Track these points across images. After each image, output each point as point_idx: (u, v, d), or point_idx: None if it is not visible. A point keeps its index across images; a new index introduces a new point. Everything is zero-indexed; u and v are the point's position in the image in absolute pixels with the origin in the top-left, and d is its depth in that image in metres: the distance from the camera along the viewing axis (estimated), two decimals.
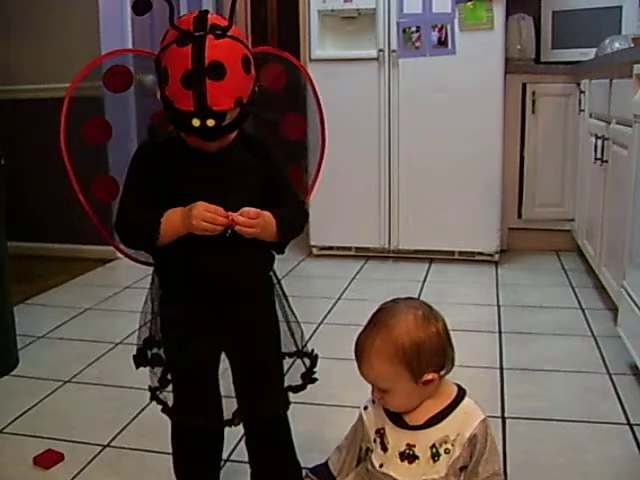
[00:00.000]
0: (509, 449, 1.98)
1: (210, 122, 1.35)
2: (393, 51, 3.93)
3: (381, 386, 1.27)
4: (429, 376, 1.26)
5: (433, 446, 1.27)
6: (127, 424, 2.18)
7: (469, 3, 3.79)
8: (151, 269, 1.61)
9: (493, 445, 1.30)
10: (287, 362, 1.65)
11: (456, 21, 3.83)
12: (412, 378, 1.25)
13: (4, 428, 2.17)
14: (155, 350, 1.62)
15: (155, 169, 1.47)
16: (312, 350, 1.69)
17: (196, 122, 1.35)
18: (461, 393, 1.33)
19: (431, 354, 1.25)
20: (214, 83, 1.33)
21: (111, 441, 2.08)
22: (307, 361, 1.68)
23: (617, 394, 2.33)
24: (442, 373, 1.29)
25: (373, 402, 1.36)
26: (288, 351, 1.64)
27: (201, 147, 1.45)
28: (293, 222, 1.55)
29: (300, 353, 1.67)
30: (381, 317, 1.29)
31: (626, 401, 2.27)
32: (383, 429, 1.32)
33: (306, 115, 1.88)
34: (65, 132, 1.61)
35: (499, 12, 3.81)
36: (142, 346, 1.63)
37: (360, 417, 1.38)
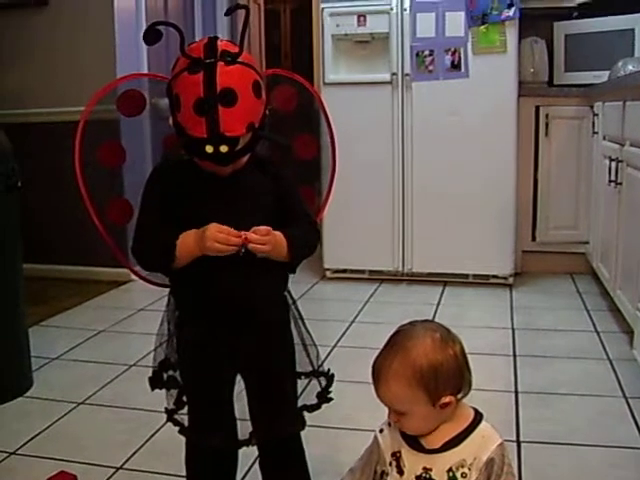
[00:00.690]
0: (524, 473, 1.96)
1: (223, 148, 1.37)
2: (406, 75, 3.95)
3: (398, 409, 1.26)
4: (446, 399, 1.24)
5: (450, 470, 1.26)
6: (140, 446, 2.18)
7: (482, 27, 3.81)
8: (165, 291, 1.62)
9: (510, 470, 1.28)
10: (302, 382, 1.65)
11: (469, 45, 3.85)
12: (429, 401, 1.23)
13: (17, 449, 2.17)
14: (170, 372, 1.63)
15: (169, 192, 1.49)
16: (328, 369, 1.69)
17: (209, 149, 1.37)
18: (478, 417, 1.31)
19: (448, 377, 1.24)
20: (226, 110, 1.34)
21: (124, 463, 2.08)
22: (322, 381, 1.67)
23: (634, 418, 2.30)
24: (459, 396, 1.27)
25: (389, 425, 1.35)
26: (304, 371, 1.64)
27: (214, 170, 1.46)
28: (304, 241, 1.56)
29: (316, 373, 1.66)
30: (398, 339, 1.29)
31: None
32: (399, 452, 1.31)
33: (319, 136, 1.89)
34: (80, 155, 1.62)
35: (512, 35, 3.82)
36: (158, 368, 1.64)
37: (376, 440, 1.36)
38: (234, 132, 1.36)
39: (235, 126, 1.36)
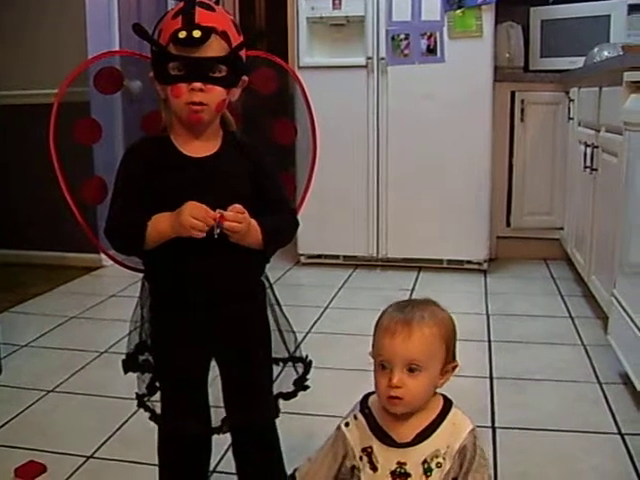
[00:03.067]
0: (500, 459, 1.96)
1: (196, 33, 1.36)
2: (382, 59, 3.92)
3: (418, 360, 1.22)
4: (454, 363, 1.28)
5: (425, 462, 1.24)
6: (111, 434, 2.15)
7: (458, 11, 3.79)
8: (137, 277, 1.58)
9: (482, 455, 1.27)
10: (277, 368, 1.63)
11: (445, 29, 3.82)
12: (444, 360, 1.26)
13: None
14: (145, 355, 1.59)
15: (144, 174, 1.45)
16: (306, 356, 1.67)
17: (182, 34, 1.37)
18: (448, 404, 1.30)
19: (454, 344, 1.29)
20: (203, 11, 1.38)
21: (95, 452, 2.05)
22: (299, 368, 1.65)
23: (608, 403, 2.31)
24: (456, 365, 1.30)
25: (355, 418, 1.32)
26: (281, 357, 1.62)
27: (191, 152, 1.44)
28: (279, 230, 1.53)
29: (293, 359, 1.64)
30: (415, 302, 1.29)
31: (617, 410, 2.25)
32: (370, 448, 1.28)
33: (295, 120, 1.86)
34: (54, 133, 1.59)
35: (488, 20, 3.80)
36: (133, 351, 1.60)
37: (341, 433, 1.32)
38: (209, 23, 1.38)
39: (211, 21, 1.38)
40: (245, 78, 1.48)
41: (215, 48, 1.39)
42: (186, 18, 1.37)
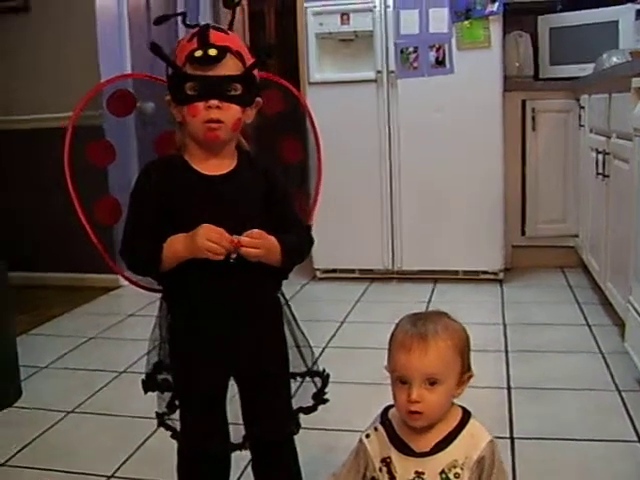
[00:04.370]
0: (519, 470, 1.95)
1: (212, 51, 1.40)
2: (391, 72, 3.94)
3: (435, 374, 1.23)
4: (470, 373, 1.29)
5: (442, 472, 1.25)
6: (132, 454, 2.16)
7: (466, 22, 3.80)
8: (155, 296, 1.60)
9: (501, 466, 1.28)
10: (296, 383, 1.63)
11: (453, 40, 3.84)
12: (460, 371, 1.27)
13: (7, 460, 2.14)
14: (164, 375, 1.61)
15: (159, 193, 1.47)
16: (323, 370, 1.67)
17: (198, 53, 1.40)
18: (466, 415, 1.31)
19: (469, 355, 1.31)
20: (217, 33, 1.42)
21: (116, 471, 2.06)
22: (317, 382, 1.66)
23: (627, 411, 2.30)
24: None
25: (375, 430, 1.33)
26: (299, 371, 1.63)
27: (205, 170, 1.46)
28: (298, 248, 1.54)
29: (310, 373, 1.65)
30: (423, 318, 1.30)
31: (636, 418, 2.24)
32: (389, 458, 1.29)
33: (305, 139, 1.89)
34: (69, 157, 1.62)
35: (496, 30, 3.82)
36: (152, 371, 1.62)
37: (362, 445, 1.34)
38: (224, 42, 1.41)
39: (225, 41, 1.42)
40: (259, 100, 1.51)
41: (231, 67, 1.42)
42: (201, 39, 1.40)
